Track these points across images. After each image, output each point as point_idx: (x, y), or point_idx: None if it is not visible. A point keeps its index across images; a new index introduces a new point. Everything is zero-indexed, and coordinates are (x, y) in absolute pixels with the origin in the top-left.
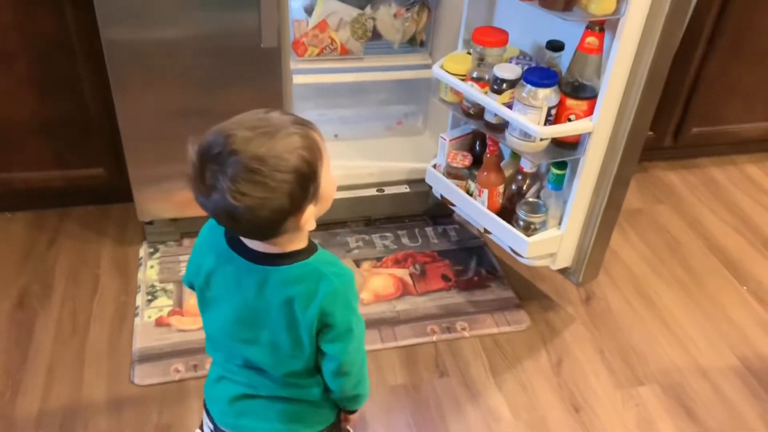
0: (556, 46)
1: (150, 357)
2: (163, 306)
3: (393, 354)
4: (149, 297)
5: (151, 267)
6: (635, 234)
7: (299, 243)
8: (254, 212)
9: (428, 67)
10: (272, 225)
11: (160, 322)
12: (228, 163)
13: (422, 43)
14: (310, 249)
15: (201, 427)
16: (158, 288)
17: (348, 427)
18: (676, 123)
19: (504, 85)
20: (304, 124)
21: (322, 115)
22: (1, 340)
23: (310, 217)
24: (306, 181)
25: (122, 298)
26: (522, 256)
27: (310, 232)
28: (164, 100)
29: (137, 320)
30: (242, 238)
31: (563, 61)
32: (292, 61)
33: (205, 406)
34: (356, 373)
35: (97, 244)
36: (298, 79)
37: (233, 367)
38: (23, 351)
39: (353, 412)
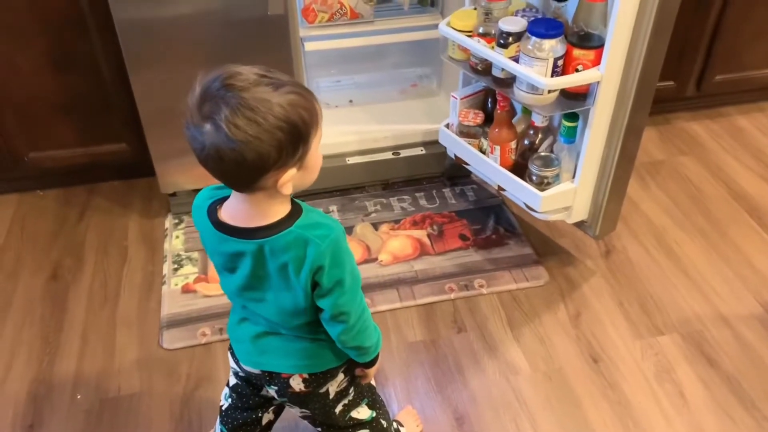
0: None
1: (177, 322)
2: (188, 274)
3: (411, 312)
4: (175, 266)
5: (177, 237)
6: (656, 186)
7: (281, 209)
8: (241, 149)
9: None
10: (253, 172)
11: (186, 289)
12: (230, 95)
13: (433, 3)
14: (293, 215)
15: (228, 383)
16: (184, 257)
17: (364, 382)
18: (698, 71)
19: (510, 39)
20: (307, 91)
21: (337, 82)
22: (38, 311)
23: (289, 179)
24: (298, 138)
25: (149, 267)
26: (536, 211)
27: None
28: (178, 75)
29: (164, 288)
30: (224, 218)
31: (569, 10)
32: (302, 29)
33: (230, 349)
34: (353, 322)
35: (124, 218)
36: (309, 46)
37: (251, 313)
38: (58, 320)
39: (367, 365)
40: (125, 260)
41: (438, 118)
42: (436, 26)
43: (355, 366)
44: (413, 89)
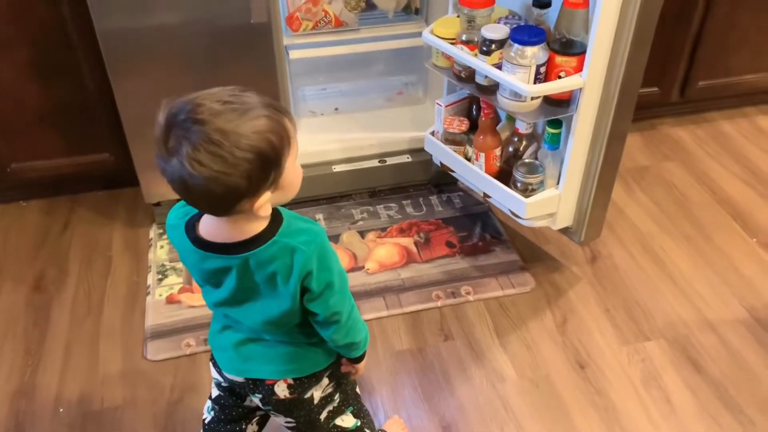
0: (542, 3)
1: (162, 333)
2: (173, 284)
3: (398, 320)
4: (160, 276)
5: (161, 247)
6: (642, 191)
7: (261, 223)
8: (208, 185)
9: None
10: (225, 202)
11: (170, 300)
12: (192, 130)
13: (417, 11)
14: (275, 224)
15: (210, 396)
16: (168, 267)
17: (354, 379)
18: (682, 77)
19: (492, 46)
20: (277, 109)
21: (322, 90)
22: (20, 322)
23: (265, 203)
24: (268, 165)
25: (134, 278)
26: (521, 218)
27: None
28: (161, 84)
29: (149, 299)
30: (203, 235)
31: (551, 17)
32: (287, 37)
33: (212, 359)
34: (345, 321)
35: (109, 228)
36: (294, 54)
37: (233, 322)
38: (41, 332)
39: (357, 361)
40: (109, 271)
41: (424, 125)
42: (420, 34)
43: (339, 371)
44: (399, 97)
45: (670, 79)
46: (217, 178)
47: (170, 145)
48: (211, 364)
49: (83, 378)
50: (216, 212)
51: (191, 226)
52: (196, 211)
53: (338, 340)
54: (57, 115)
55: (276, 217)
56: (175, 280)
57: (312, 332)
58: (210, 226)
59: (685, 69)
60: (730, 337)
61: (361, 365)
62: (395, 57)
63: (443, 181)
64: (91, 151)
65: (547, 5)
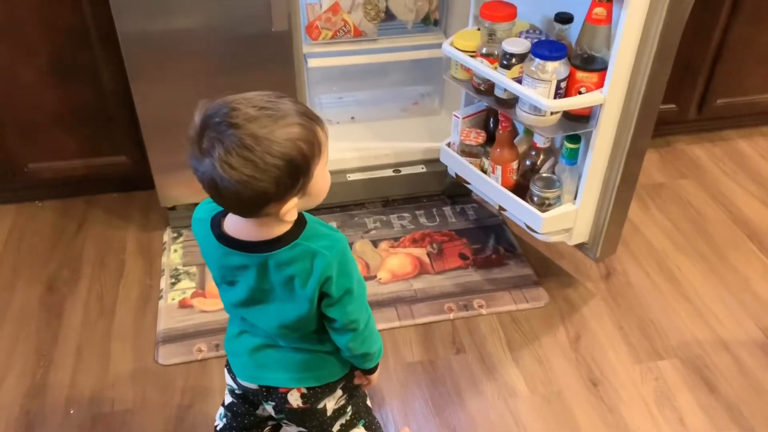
0: (564, 18)
1: (173, 337)
2: (186, 288)
3: (410, 331)
4: (173, 280)
5: (175, 251)
6: (657, 209)
7: (285, 225)
8: (238, 188)
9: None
10: (253, 205)
11: (183, 304)
12: (226, 134)
13: (436, 22)
14: (298, 227)
15: (223, 402)
16: (181, 271)
17: (365, 391)
18: (699, 94)
19: (513, 60)
20: (310, 117)
21: (339, 99)
22: (33, 323)
23: (291, 208)
24: (297, 172)
25: (147, 281)
26: (537, 232)
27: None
28: (180, 89)
29: (161, 302)
30: (228, 231)
31: (572, 33)
32: (306, 45)
33: (227, 365)
34: (362, 329)
35: (122, 230)
36: (312, 63)
37: (250, 326)
38: (53, 333)
39: (370, 372)
40: (122, 274)
41: (439, 136)
42: (439, 45)
43: (352, 383)
44: (415, 107)
45: (687, 96)
46: (247, 182)
47: (204, 146)
48: (225, 370)
49: (94, 380)
50: (243, 213)
51: (217, 222)
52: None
53: (354, 349)
54: (75, 117)
55: (300, 221)
56: (188, 285)
57: (327, 340)
58: (235, 224)
59: (703, 86)
60: (745, 358)
61: (374, 376)
62: (412, 67)
63: (457, 192)
64: (108, 154)
65: (569, 21)
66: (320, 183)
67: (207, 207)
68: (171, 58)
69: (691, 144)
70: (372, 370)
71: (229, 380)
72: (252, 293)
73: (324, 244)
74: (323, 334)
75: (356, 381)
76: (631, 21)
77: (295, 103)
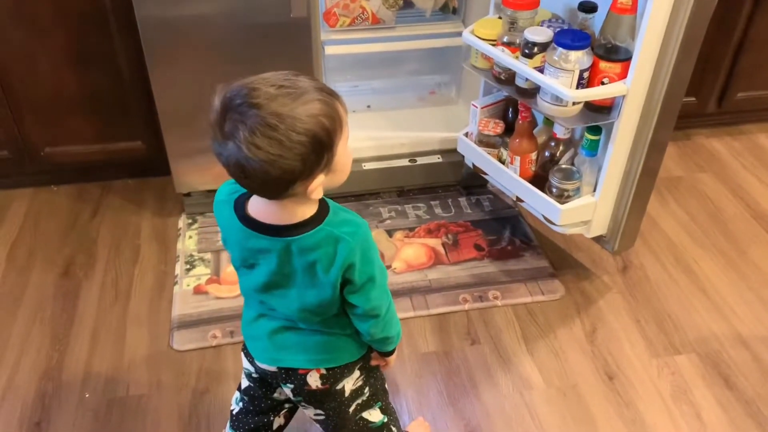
0: (588, 7)
1: (188, 323)
2: (200, 275)
3: (425, 322)
4: (188, 266)
5: (190, 237)
6: (675, 202)
7: (310, 209)
8: (265, 168)
9: (461, 35)
10: (280, 185)
11: (198, 290)
12: (249, 114)
13: (455, 10)
14: (322, 212)
15: (239, 387)
16: (196, 257)
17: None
18: (720, 88)
19: (535, 49)
20: (330, 93)
21: (355, 87)
22: (49, 307)
23: (318, 185)
24: (321, 148)
25: (162, 267)
26: (555, 224)
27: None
28: (198, 75)
29: (176, 288)
30: (252, 214)
31: (596, 22)
32: (323, 32)
33: (243, 348)
34: (383, 315)
35: (138, 216)
36: (330, 50)
37: (269, 309)
38: (69, 317)
39: (389, 354)
40: (137, 259)
41: (456, 126)
42: (457, 34)
43: (369, 363)
44: (431, 96)
45: (708, 89)
46: (274, 161)
47: (226, 129)
48: (243, 354)
49: (109, 365)
50: (270, 195)
51: (241, 204)
52: (245, 189)
53: (375, 334)
54: (92, 102)
55: (323, 206)
56: (202, 271)
57: (347, 323)
58: (259, 206)
59: (724, 79)
60: (763, 354)
61: (392, 358)
62: (429, 56)
63: (473, 183)
64: (124, 139)
65: (593, 10)
66: (343, 159)
67: (229, 188)
68: (189, 44)
69: (710, 137)
70: (390, 353)
71: (246, 364)
72: (273, 277)
73: (347, 230)
74: (344, 317)
75: (373, 362)
76: (658, 11)
77: (312, 80)
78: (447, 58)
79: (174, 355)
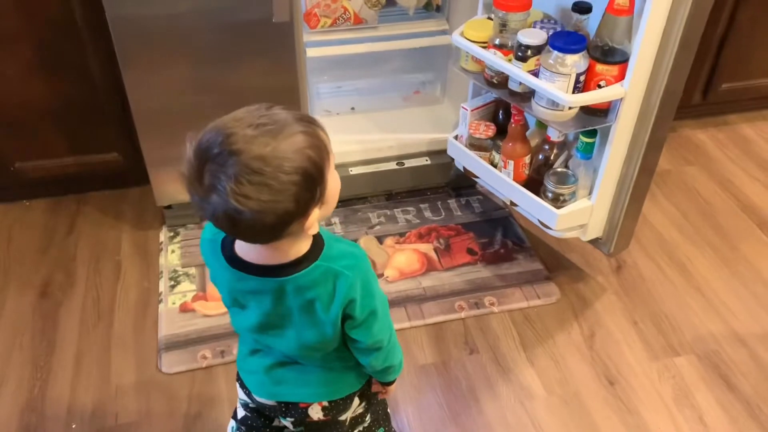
0: (583, 8)
1: (176, 344)
2: (186, 291)
3: (421, 332)
4: (172, 282)
5: (172, 251)
6: (664, 197)
7: (304, 245)
8: (258, 217)
9: (446, 33)
10: (275, 230)
11: (184, 308)
12: (229, 163)
13: (438, 8)
14: (316, 247)
15: (234, 416)
16: (180, 273)
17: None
18: (705, 79)
19: (529, 52)
20: (309, 121)
21: (338, 88)
22: (27, 331)
23: (314, 221)
24: (312, 182)
25: (145, 284)
26: (551, 229)
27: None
28: (175, 78)
29: (161, 306)
30: (241, 254)
31: (591, 23)
32: (304, 34)
33: (238, 380)
34: (385, 346)
35: (116, 230)
36: (311, 53)
37: (264, 347)
38: (50, 342)
39: (390, 383)
40: (119, 276)
41: (443, 126)
42: (442, 32)
43: (370, 390)
44: (416, 96)
45: (692, 80)
46: (267, 208)
47: (206, 183)
48: (238, 384)
49: (95, 391)
50: (264, 241)
51: (228, 244)
52: None
53: (377, 366)
54: (64, 112)
55: (317, 239)
56: (188, 287)
57: (348, 356)
58: (249, 246)
59: (708, 71)
60: (761, 352)
61: (393, 387)
62: (412, 54)
63: (462, 184)
64: (99, 151)
65: (588, 11)
66: (333, 186)
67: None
68: (165, 45)
69: (695, 129)
70: (391, 382)
71: (242, 395)
72: (267, 318)
73: (346, 264)
74: (344, 351)
75: (374, 389)
76: (657, 11)
77: (288, 111)
78: (431, 57)
79: (163, 378)
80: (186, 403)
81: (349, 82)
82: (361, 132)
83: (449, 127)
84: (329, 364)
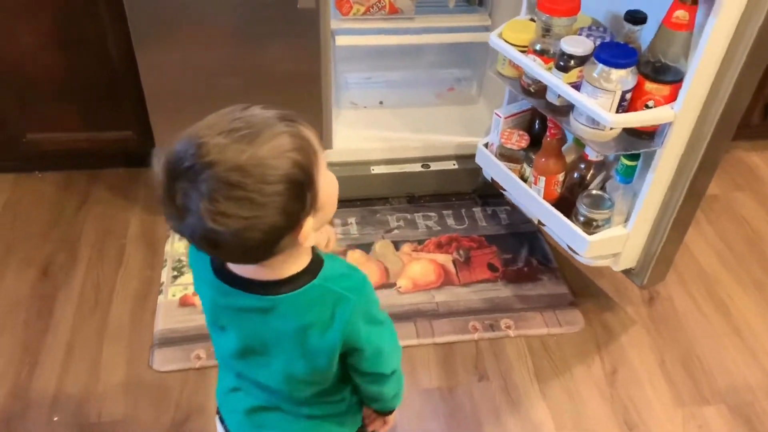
0: (636, 18)
1: (171, 341)
2: (188, 284)
3: (429, 351)
4: (175, 273)
5: (180, 239)
6: (709, 224)
7: (300, 261)
8: (242, 236)
9: (487, 29)
10: (264, 247)
11: (184, 302)
12: (202, 178)
13: (481, 2)
14: (315, 264)
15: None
16: (184, 263)
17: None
18: (766, 98)
19: (571, 62)
20: (291, 119)
21: (368, 79)
22: (23, 312)
23: (309, 231)
24: (301, 189)
25: (147, 272)
26: (580, 255)
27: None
28: (190, 59)
29: (161, 298)
30: (231, 266)
31: (644, 35)
32: (335, 20)
33: (218, 414)
34: (391, 377)
35: (126, 211)
36: (341, 41)
37: (247, 383)
38: (44, 325)
39: (390, 412)
40: (122, 261)
41: (475, 129)
42: (483, 28)
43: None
44: (450, 94)
45: (753, 99)
46: (251, 225)
47: (179, 203)
48: (217, 418)
49: (83, 384)
50: (256, 260)
51: None
52: None
53: (378, 396)
54: (80, 88)
55: (315, 257)
56: (190, 279)
57: (339, 401)
58: None
59: None
60: None
61: (392, 416)
62: (449, 49)
63: (489, 192)
64: (113, 128)
65: (642, 21)
66: (328, 189)
67: None
68: (181, 23)
69: (749, 151)
70: (391, 411)
71: (220, 429)
72: (249, 342)
73: (348, 285)
74: (335, 395)
75: (370, 429)
76: (720, 28)
77: (267, 109)
78: (469, 52)
79: (153, 376)
80: (174, 405)
81: (379, 73)
82: (387, 129)
83: (482, 130)
84: (318, 409)
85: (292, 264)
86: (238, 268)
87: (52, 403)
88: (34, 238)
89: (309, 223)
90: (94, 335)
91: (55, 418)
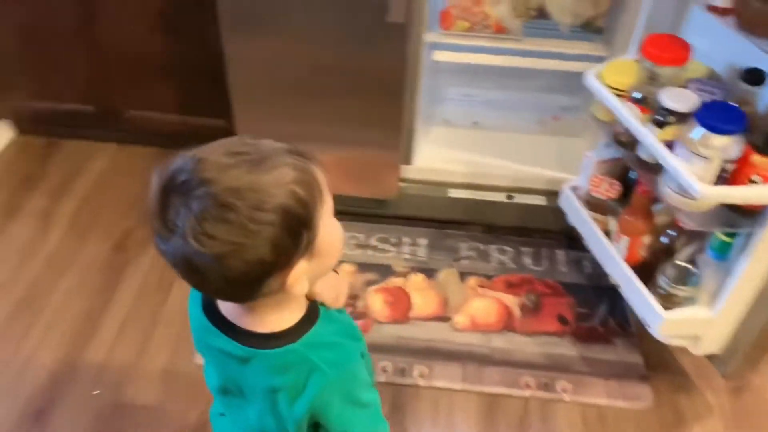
0: (755, 78)
1: None
2: None
3: (472, 399)
4: None
5: None
6: None
7: (289, 314)
8: (224, 262)
9: (602, 60)
10: (248, 282)
11: None
12: (195, 195)
13: (599, 31)
14: (303, 325)
15: None
16: None
17: None
18: None
19: (670, 118)
20: (302, 155)
21: (467, 96)
22: (92, 282)
23: (300, 276)
24: (297, 225)
25: None
26: (652, 329)
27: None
28: (275, 55)
29: None
30: (219, 305)
31: (762, 98)
32: (435, 34)
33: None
34: None
35: None
36: (439, 56)
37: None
38: (107, 299)
39: None
40: None
41: (573, 166)
42: (597, 58)
43: None
44: (553, 122)
45: None
46: (233, 252)
47: (169, 218)
48: None
49: (127, 363)
50: (239, 297)
51: None
52: None
53: None
54: (181, 72)
55: (310, 316)
56: None
57: None
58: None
59: None
60: None
61: None
62: (559, 73)
63: (578, 235)
64: (206, 114)
65: (761, 82)
66: (330, 237)
67: None
68: (271, 19)
69: None
70: None
71: None
72: (228, 384)
73: (328, 358)
74: None
75: None
76: None
77: (280, 143)
78: (580, 79)
79: (192, 369)
80: (205, 403)
81: (478, 91)
82: (474, 151)
83: (579, 169)
84: None
85: (279, 315)
86: (225, 309)
87: (96, 376)
88: (119, 210)
89: (301, 267)
90: (149, 317)
91: (96, 392)
